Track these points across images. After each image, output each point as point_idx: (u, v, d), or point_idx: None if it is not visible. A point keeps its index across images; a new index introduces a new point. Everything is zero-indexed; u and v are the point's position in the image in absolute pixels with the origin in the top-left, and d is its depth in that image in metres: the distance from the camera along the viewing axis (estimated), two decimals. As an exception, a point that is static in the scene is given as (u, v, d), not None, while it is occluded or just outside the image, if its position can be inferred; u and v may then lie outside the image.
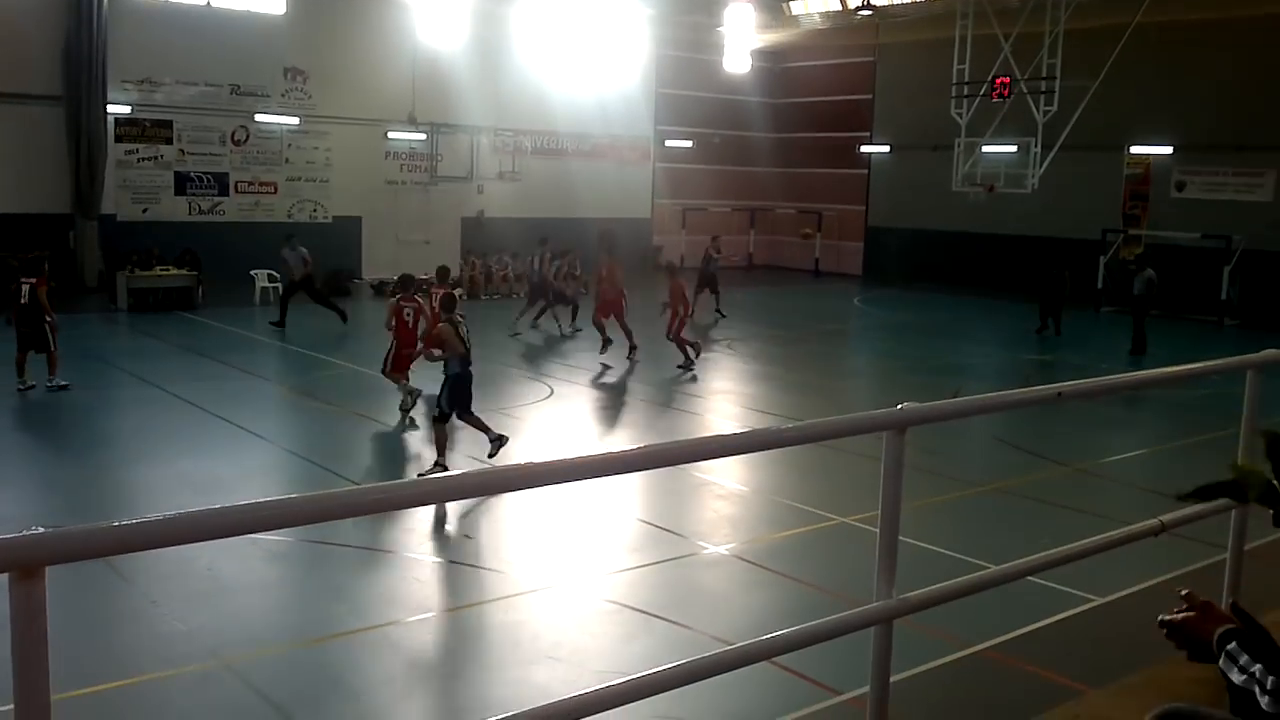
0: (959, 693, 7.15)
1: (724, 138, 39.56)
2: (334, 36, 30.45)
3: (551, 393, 16.97)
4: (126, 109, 28.08)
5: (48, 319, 15.57)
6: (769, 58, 39.32)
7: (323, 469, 12.37)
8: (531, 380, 17.84)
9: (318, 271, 24.39)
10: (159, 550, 8.51)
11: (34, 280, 15.67)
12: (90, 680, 6.72)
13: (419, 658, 7.73)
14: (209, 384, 16.49)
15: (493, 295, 29.95)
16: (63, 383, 15.58)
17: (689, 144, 38.59)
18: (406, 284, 15.68)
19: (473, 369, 12.48)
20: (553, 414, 15.79)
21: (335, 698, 7.02)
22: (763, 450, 11.05)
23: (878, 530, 3.94)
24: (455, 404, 12.23)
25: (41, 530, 2.20)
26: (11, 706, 2.23)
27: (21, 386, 15.37)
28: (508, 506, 10.86)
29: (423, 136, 32.75)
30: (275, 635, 8.07)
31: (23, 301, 15.52)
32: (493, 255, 31.17)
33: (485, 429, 12.33)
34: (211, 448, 13.23)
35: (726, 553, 9.96)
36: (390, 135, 32.29)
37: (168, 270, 25.58)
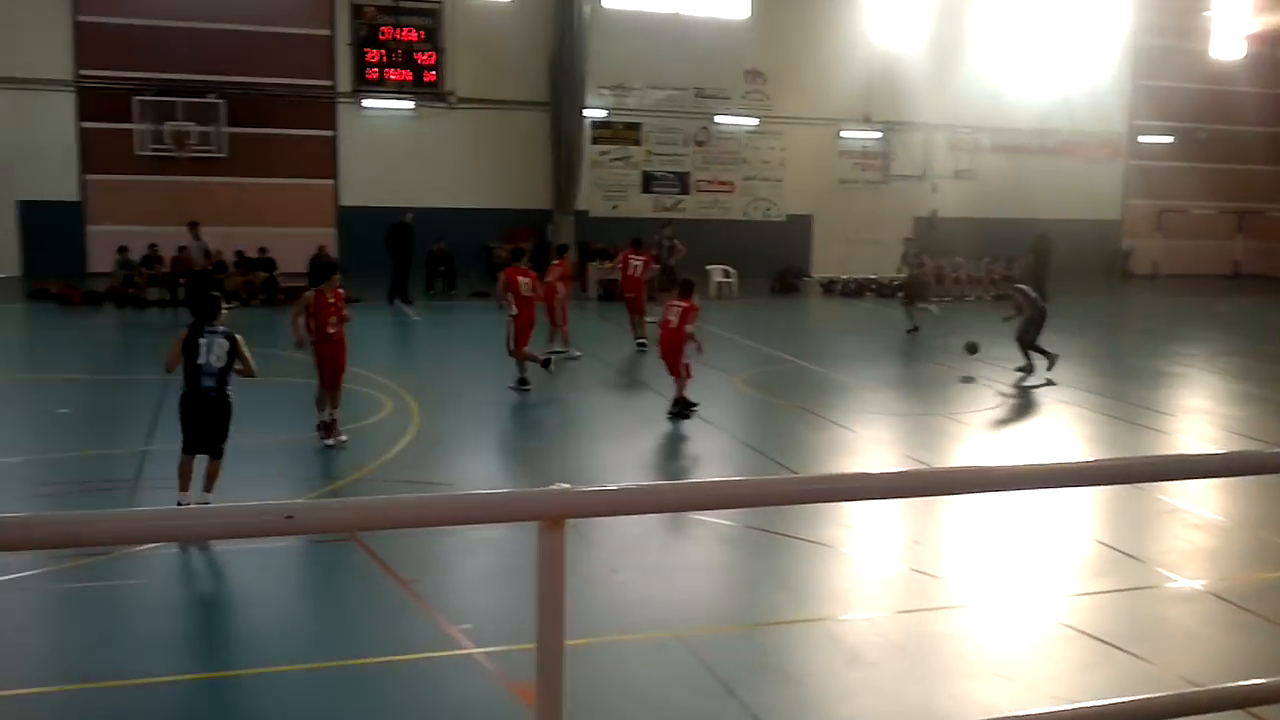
0: None
1: (1210, 132, 36.08)
2: (793, 38, 31.03)
3: (1000, 401, 16.28)
4: (602, 113, 30.30)
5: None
6: (1267, 42, 35.36)
7: (767, 458, 12.62)
8: (974, 387, 17.17)
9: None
10: (618, 522, 9.09)
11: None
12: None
13: (858, 655, 7.66)
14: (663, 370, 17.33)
15: (942, 298, 29.19)
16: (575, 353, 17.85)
17: (1169, 139, 35.57)
18: (518, 255, 16.82)
19: None
20: (998, 420, 15.13)
21: (776, 682, 7.12)
22: (1245, 475, 9.93)
23: None
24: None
25: (566, 487, 2.45)
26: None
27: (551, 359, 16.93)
28: (953, 511, 10.52)
29: (877, 135, 32.61)
30: (722, 614, 8.32)
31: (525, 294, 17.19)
32: (944, 256, 30.40)
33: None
34: (665, 431, 13.89)
35: (1200, 588, 9.04)
36: (844, 134, 32.43)
37: (632, 263, 27.23)
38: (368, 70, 28.56)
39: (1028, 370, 17.34)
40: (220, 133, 27.26)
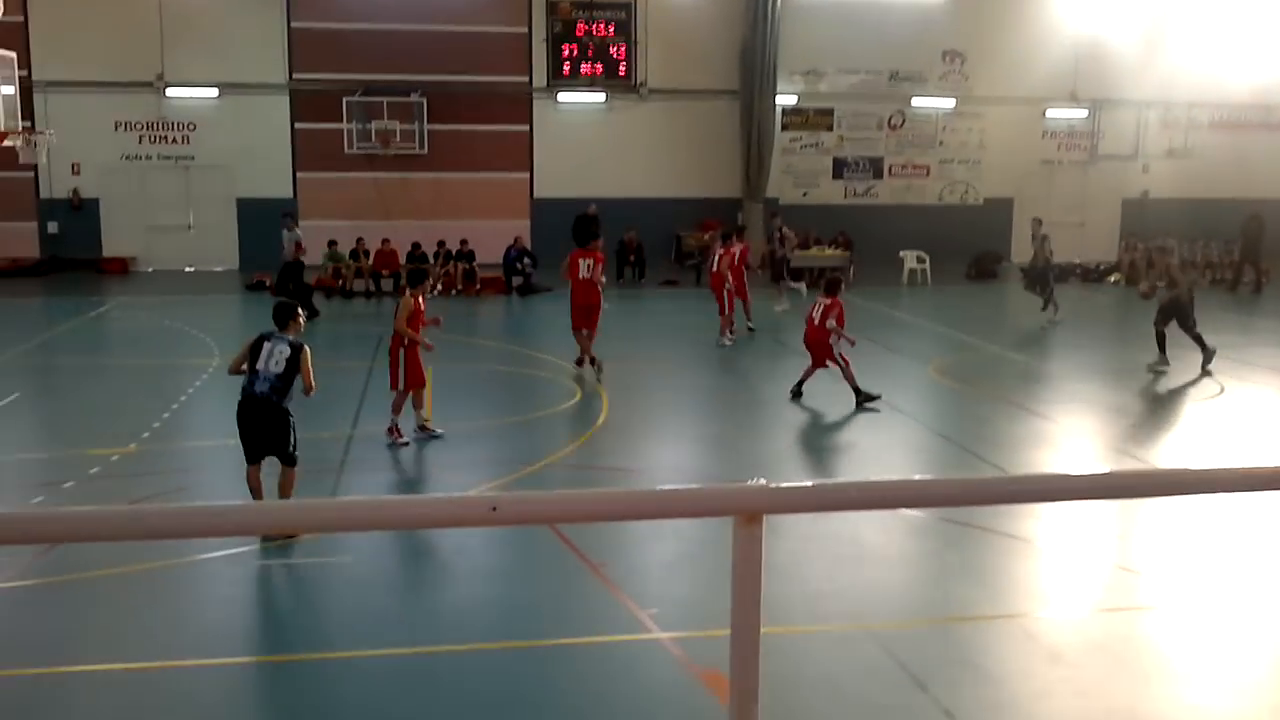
0: None
1: None
2: (993, 15, 29.98)
3: (1210, 390, 15.33)
4: (793, 99, 30.00)
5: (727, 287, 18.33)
6: None
7: (963, 449, 12.24)
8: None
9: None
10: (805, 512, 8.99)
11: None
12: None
13: (1058, 653, 7.34)
14: (858, 359, 17.04)
15: (1154, 284, 27.71)
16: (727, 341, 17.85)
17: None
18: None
19: None
20: (1204, 412, 14.26)
21: (971, 679, 6.90)
22: None
23: None
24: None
25: (764, 482, 2.43)
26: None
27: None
28: (1156, 505, 9.98)
29: (1084, 113, 31.20)
30: (913, 607, 8.13)
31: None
32: (1156, 240, 28.83)
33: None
34: (854, 418, 13.66)
35: None
36: (1048, 113, 31.16)
37: (823, 250, 26.91)
38: (562, 65, 29.12)
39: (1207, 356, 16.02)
40: (422, 130, 28.29)
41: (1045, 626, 7.77)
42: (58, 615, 7.77)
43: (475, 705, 6.52)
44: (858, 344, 14.46)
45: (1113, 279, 28.06)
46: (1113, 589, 8.68)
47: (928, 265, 27.26)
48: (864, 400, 13.68)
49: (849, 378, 13.76)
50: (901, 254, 27.69)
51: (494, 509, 2.35)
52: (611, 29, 29.17)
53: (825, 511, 2.58)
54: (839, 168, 30.72)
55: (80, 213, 27.99)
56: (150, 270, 27.96)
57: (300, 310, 9.82)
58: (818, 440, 13.13)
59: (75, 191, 27.95)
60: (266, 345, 9.12)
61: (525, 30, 28.89)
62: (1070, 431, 13.35)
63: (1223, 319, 17.17)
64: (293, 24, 28.08)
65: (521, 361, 17.03)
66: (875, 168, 30.90)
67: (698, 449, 12.79)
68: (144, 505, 7.24)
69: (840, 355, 13.88)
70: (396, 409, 11.95)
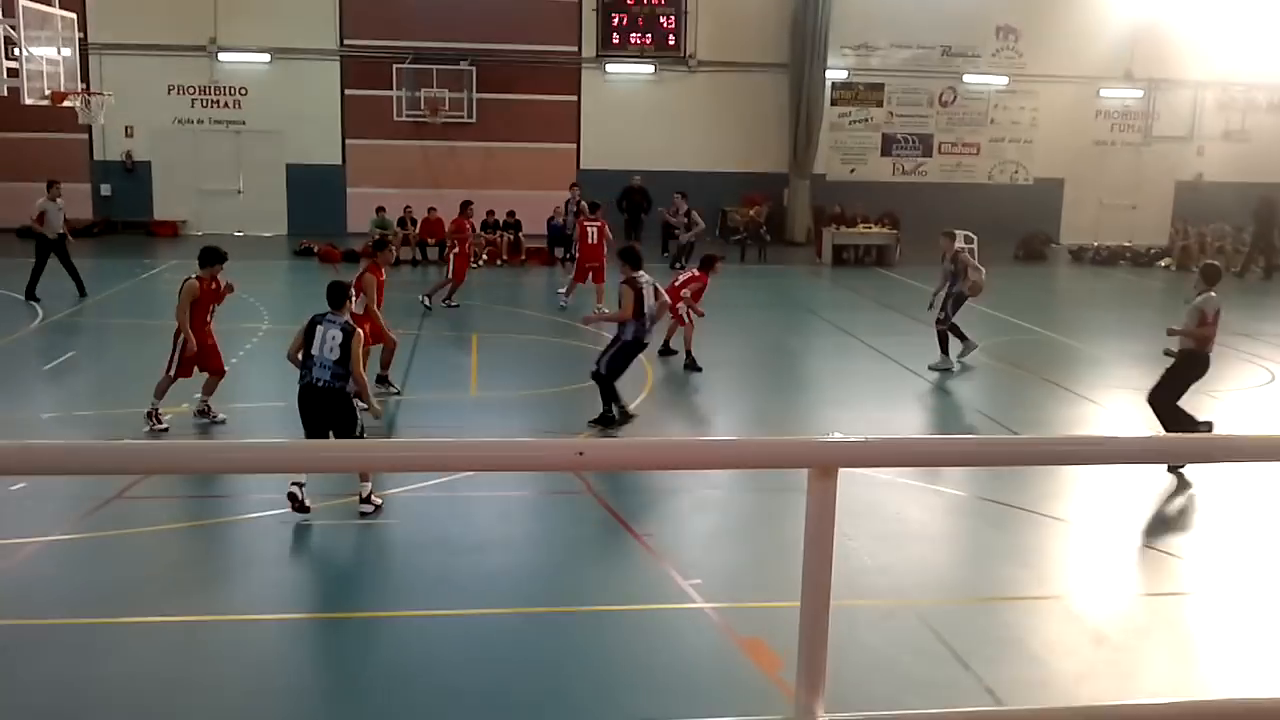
0: None
1: None
2: (1051, -9, 29.54)
3: (1272, 378, 15.14)
4: (843, 74, 29.73)
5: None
6: None
7: (1010, 432, 12.18)
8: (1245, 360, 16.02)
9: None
10: (853, 487, 9.00)
11: None
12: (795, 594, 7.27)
13: (1102, 635, 7.33)
14: (901, 338, 16.99)
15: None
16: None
17: None
18: (594, 207, 19.06)
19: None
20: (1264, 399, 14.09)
21: (1014, 658, 6.92)
22: None
23: None
24: (611, 367, 11.55)
25: (839, 436, 2.49)
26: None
27: None
28: (1197, 490, 9.90)
29: (1139, 93, 30.72)
30: (957, 585, 8.15)
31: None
32: (1209, 224, 28.42)
33: (614, 401, 11.52)
34: (899, 399, 13.64)
35: None
36: (1102, 93, 30.70)
37: (870, 228, 26.72)
38: (612, 35, 29.01)
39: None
40: (471, 98, 28.33)
41: (1088, 608, 7.76)
42: (112, 568, 7.94)
43: (520, 666, 6.61)
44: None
45: (1164, 263, 27.67)
46: (1157, 572, 8.65)
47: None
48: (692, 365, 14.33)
49: (688, 339, 14.48)
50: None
51: (580, 454, 2.42)
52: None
53: (898, 466, 2.61)
54: (888, 144, 30.46)
55: (133, 175, 28.33)
56: (200, 234, 28.24)
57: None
58: (862, 423, 13.09)
59: (128, 154, 28.27)
60: (319, 329, 8.80)
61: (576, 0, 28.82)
62: (1120, 416, 13.24)
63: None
64: (345, -10, 28.17)
65: (564, 332, 17.10)
66: (925, 145, 30.61)
67: (745, 420, 12.80)
68: (216, 440, 7.20)
69: (688, 315, 14.48)
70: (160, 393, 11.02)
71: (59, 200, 18.51)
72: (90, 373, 14.24)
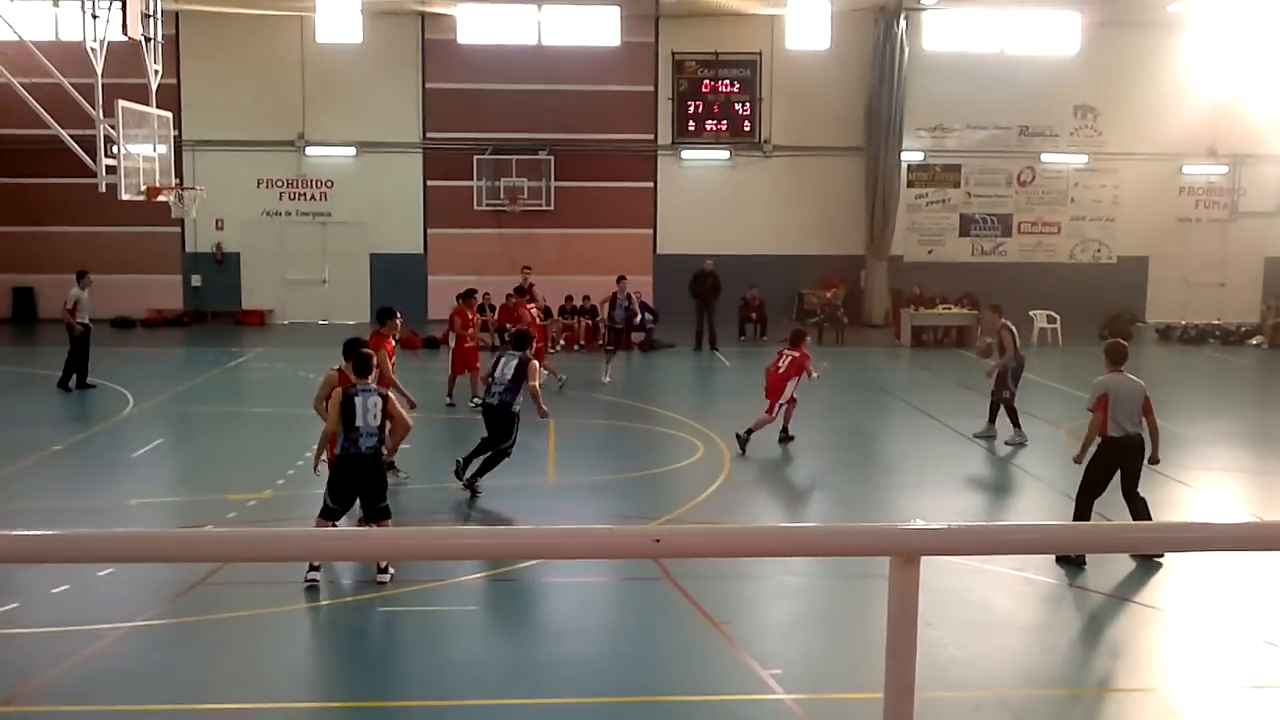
0: None
1: None
2: (1127, 70, 29.36)
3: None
4: (919, 155, 29.75)
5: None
6: None
7: (1099, 515, 11.82)
8: None
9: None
10: (939, 574, 8.78)
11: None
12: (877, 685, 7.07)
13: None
14: (983, 420, 16.67)
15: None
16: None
17: None
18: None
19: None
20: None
21: (1109, 756, 6.62)
22: None
23: None
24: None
25: (922, 524, 2.43)
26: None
27: None
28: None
29: (1223, 169, 30.24)
30: (1046, 677, 7.85)
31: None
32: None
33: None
34: (982, 482, 13.35)
35: None
36: (1185, 169, 30.29)
37: (949, 309, 26.47)
38: (687, 123, 29.42)
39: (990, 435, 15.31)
40: (549, 187, 28.84)
41: (1185, 701, 7.42)
42: (190, 654, 8.01)
43: (596, 760, 6.49)
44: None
45: (1255, 341, 26.96)
46: (1256, 664, 8.25)
47: (1059, 325, 26.59)
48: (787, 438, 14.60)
49: (788, 416, 14.70)
50: (1031, 313, 27.03)
51: (657, 541, 2.38)
52: (737, 87, 29.40)
53: (982, 555, 2.52)
54: (966, 224, 30.30)
55: (222, 266, 29.21)
56: (286, 322, 28.95)
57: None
58: (944, 508, 12.82)
59: (218, 246, 29.19)
60: (358, 401, 9.00)
61: (652, 89, 29.31)
62: (1212, 500, 12.82)
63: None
64: (427, 85, 29.01)
65: (642, 417, 17.09)
66: (1004, 225, 30.39)
67: (824, 507, 12.62)
68: (285, 528, 7.35)
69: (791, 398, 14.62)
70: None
71: (87, 291, 18.38)
72: (177, 459, 14.54)
